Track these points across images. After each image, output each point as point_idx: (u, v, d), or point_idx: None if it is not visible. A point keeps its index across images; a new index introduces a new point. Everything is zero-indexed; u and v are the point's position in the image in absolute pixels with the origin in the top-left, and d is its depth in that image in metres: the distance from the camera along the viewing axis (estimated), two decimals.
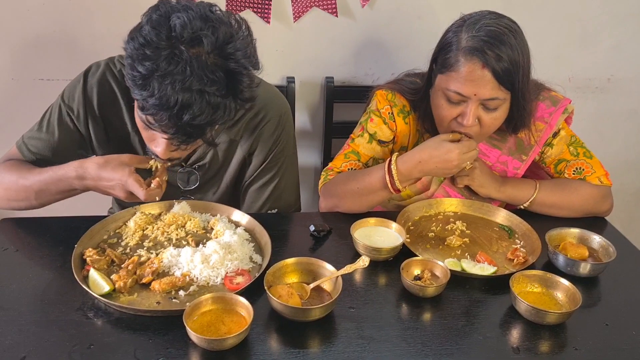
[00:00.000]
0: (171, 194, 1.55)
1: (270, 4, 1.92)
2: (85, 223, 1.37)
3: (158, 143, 1.27)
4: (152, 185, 1.31)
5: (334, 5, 1.94)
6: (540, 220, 1.50)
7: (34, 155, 1.47)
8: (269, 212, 1.57)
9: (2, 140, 2.03)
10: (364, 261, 1.22)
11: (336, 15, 1.95)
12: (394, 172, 1.42)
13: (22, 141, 1.49)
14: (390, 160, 1.44)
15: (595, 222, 1.55)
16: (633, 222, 2.55)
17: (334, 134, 2.11)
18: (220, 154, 1.53)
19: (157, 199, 1.33)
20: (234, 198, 1.62)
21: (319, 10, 1.95)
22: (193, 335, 1.04)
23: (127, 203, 1.42)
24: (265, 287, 1.14)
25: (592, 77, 2.21)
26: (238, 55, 1.17)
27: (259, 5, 1.92)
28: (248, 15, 1.92)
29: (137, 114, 1.24)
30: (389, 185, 1.44)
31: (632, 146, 2.37)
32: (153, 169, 1.34)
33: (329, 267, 1.21)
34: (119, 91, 1.45)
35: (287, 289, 1.15)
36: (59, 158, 1.45)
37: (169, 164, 1.37)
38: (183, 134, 1.19)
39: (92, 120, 1.46)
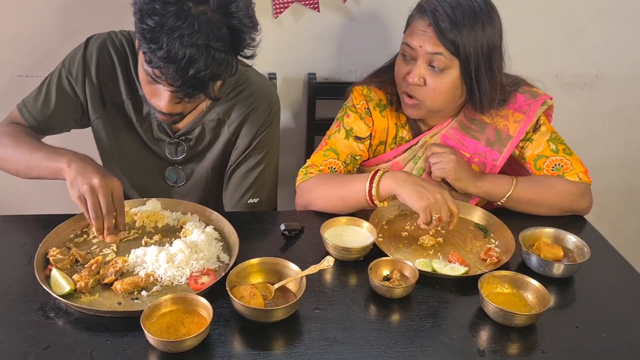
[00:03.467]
0: (159, 165, 1.59)
1: None
2: (54, 221, 1.35)
3: (161, 97, 1.31)
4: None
5: (315, 1, 1.92)
6: (518, 219, 1.47)
7: (33, 117, 1.50)
8: (250, 200, 1.56)
9: None
10: (328, 261, 1.20)
11: (318, 11, 1.92)
12: (373, 191, 1.39)
13: (22, 104, 1.53)
14: (373, 177, 1.40)
15: (573, 221, 1.53)
16: (624, 221, 2.51)
17: (317, 131, 2.08)
18: (208, 131, 1.55)
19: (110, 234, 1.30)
20: (217, 182, 1.63)
21: (301, 5, 1.92)
22: (150, 337, 1.02)
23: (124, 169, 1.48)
24: (227, 288, 1.12)
25: (580, 73, 2.17)
26: (240, 15, 1.23)
27: None
28: None
29: (143, 67, 1.29)
30: (368, 201, 1.41)
31: (622, 144, 2.33)
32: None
33: (293, 267, 1.19)
34: (117, 60, 1.49)
35: (250, 290, 1.13)
36: (56, 121, 1.52)
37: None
38: (188, 87, 1.23)
39: (90, 85, 1.50)
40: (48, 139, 1.54)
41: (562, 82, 2.18)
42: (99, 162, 1.56)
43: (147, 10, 1.17)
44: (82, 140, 1.60)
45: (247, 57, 1.29)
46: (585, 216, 1.57)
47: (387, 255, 1.29)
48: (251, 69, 1.57)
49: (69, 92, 1.50)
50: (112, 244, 1.31)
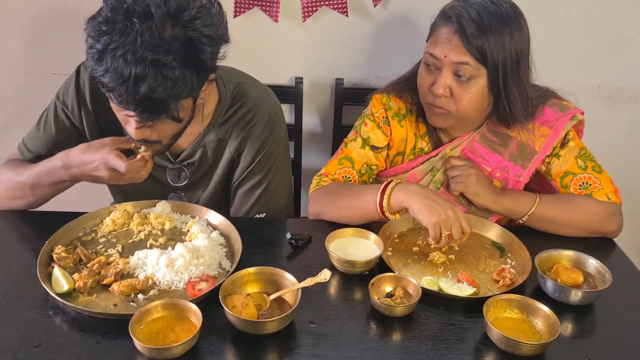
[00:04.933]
0: (162, 191, 1.55)
1: (279, 3, 1.87)
2: (66, 218, 1.37)
3: (129, 123, 1.28)
4: (136, 158, 1.30)
5: (344, 5, 1.88)
6: (541, 239, 1.40)
7: (32, 154, 1.50)
8: (257, 216, 1.53)
9: (15, 134, 2.08)
10: (325, 275, 1.15)
11: (346, 15, 1.88)
12: (384, 202, 1.34)
13: (22, 142, 1.53)
14: (385, 188, 1.35)
15: (601, 243, 1.43)
16: None
17: (343, 137, 2.02)
18: (210, 153, 1.50)
19: (144, 174, 1.32)
20: (224, 198, 1.59)
21: (329, 9, 1.88)
22: (137, 343, 1.01)
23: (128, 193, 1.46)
24: (220, 297, 1.10)
25: (626, 85, 2.04)
26: (197, 24, 1.16)
27: (267, 4, 1.88)
28: (256, 13, 1.88)
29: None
30: (380, 213, 1.36)
31: None
32: (135, 149, 1.32)
33: (290, 278, 1.16)
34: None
35: (243, 300, 1.10)
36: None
37: (155, 149, 1.36)
38: (144, 109, 1.19)
39: (86, 114, 1.48)
40: None
41: (605, 94, 2.06)
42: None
43: (96, 33, 1.15)
44: None
45: (206, 71, 1.23)
46: (629, 238, 1.47)
47: (393, 271, 1.24)
48: (248, 81, 1.52)
49: (68, 125, 1.48)
50: (116, 245, 1.32)
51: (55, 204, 1.50)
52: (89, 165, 1.33)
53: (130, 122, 1.26)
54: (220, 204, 1.56)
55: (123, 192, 1.58)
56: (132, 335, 1.01)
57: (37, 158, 1.48)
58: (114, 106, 1.26)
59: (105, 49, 1.13)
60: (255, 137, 1.48)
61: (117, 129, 1.48)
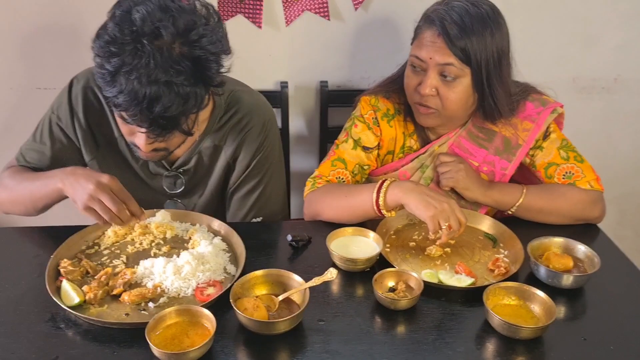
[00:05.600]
0: (158, 199, 1.57)
1: (262, 9, 1.91)
2: (67, 232, 1.38)
3: (138, 137, 1.30)
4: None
5: (325, 9, 1.92)
6: (530, 228, 1.46)
7: (30, 166, 1.52)
8: (254, 220, 1.56)
9: (1, 149, 2.08)
10: (331, 273, 1.20)
11: (328, 19, 1.93)
12: (381, 200, 1.38)
13: (19, 153, 1.54)
14: (381, 187, 1.39)
15: (587, 230, 1.50)
16: None
17: (330, 138, 2.08)
18: (205, 159, 1.53)
19: (123, 222, 1.32)
20: (220, 204, 1.61)
21: (311, 13, 1.93)
22: (154, 349, 1.04)
23: None
24: (231, 300, 1.13)
25: (598, 77, 2.13)
26: (203, 42, 1.19)
27: (250, 10, 1.91)
28: (239, 20, 1.91)
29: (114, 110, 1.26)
30: (376, 210, 1.41)
31: None
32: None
33: (297, 279, 1.20)
34: (103, 97, 1.46)
35: (253, 302, 1.13)
36: (54, 167, 1.48)
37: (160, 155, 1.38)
38: (157, 126, 1.21)
39: (79, 127, 1.49)
40: None
41: (579, 86, 2.14)
42: None
43: (104, 53, 1.16)
44: None
45: (214, 86, 1.26)
46: (605, 222, 1.54)
47: (393, 266, 1.28)
48: (241, 87, 1.56)
49: (62, 138, 1.50)
50: (121, 256, 1.34)
51: (55, 219, 1.52)
52: (92, 176, 1.30)
53: (139, 136, 1.28)
54: (217, 209, 1.59)
55: None
56: (149, 342, 1.04)
57: (36, 170, 1.50)
58: (120, 121, 1.27)
59: (117, 70, 1.14)
60: (250, 143, 1.51)
61: (111, 142, 1.51)
